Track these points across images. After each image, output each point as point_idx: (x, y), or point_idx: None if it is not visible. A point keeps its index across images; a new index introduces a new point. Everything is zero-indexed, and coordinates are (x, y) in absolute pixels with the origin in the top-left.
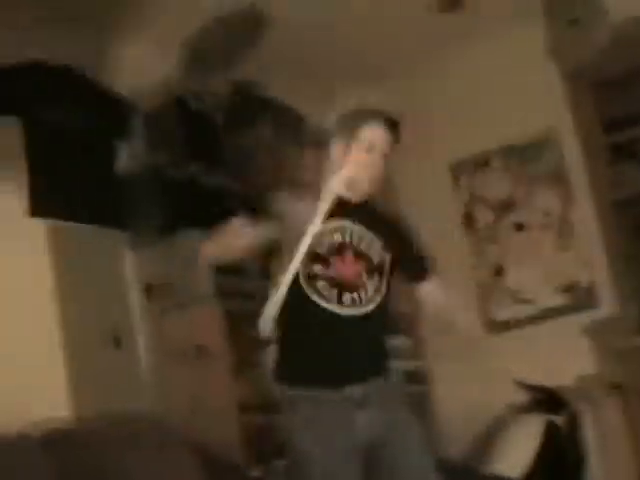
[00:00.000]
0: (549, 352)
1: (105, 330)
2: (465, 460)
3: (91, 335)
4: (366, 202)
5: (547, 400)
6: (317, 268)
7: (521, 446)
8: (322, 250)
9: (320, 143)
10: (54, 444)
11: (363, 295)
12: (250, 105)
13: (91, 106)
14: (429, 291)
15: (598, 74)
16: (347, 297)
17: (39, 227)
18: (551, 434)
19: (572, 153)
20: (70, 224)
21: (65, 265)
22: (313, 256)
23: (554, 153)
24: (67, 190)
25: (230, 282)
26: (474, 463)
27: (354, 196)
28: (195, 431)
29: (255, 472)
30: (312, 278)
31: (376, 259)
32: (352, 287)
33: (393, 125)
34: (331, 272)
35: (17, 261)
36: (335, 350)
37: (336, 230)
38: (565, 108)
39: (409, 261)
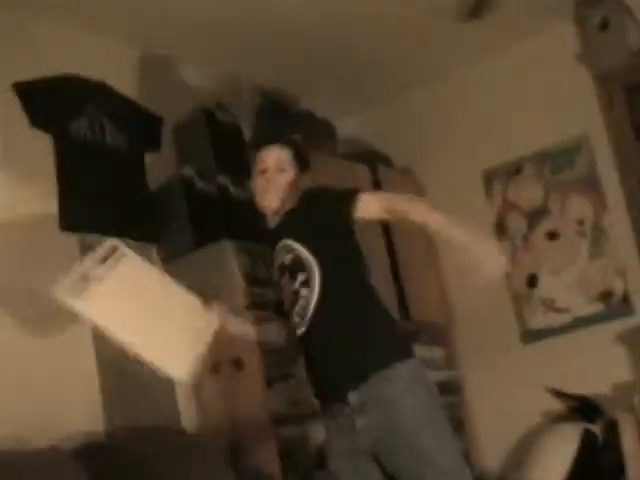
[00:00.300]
0: (584, 360)
1: None
2: (501, 470)
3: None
4: (292, 209)
5: (583, 408)
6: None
7: (558, 455)
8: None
9: None
10: (87, 456)
11: (303, 304)
12: (279, 116)
13: (121, 120)
14: (361, 211)
15: (630, 78)
16: (296, 317)
17: (71, 242)
18: (588, 442)
19: (604, 159)
20: (101, 238)
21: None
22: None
23: (586, 159)
24: (97, 204)
25: (263, 293)
26: (510, 473)
27: (274, 212)
28: (230, 443)
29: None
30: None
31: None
32: (292, 305)
33: (290, 143)
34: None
35: (50, 273)
36: (316, 370)
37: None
38: (597, 113)
39: (334, 208)
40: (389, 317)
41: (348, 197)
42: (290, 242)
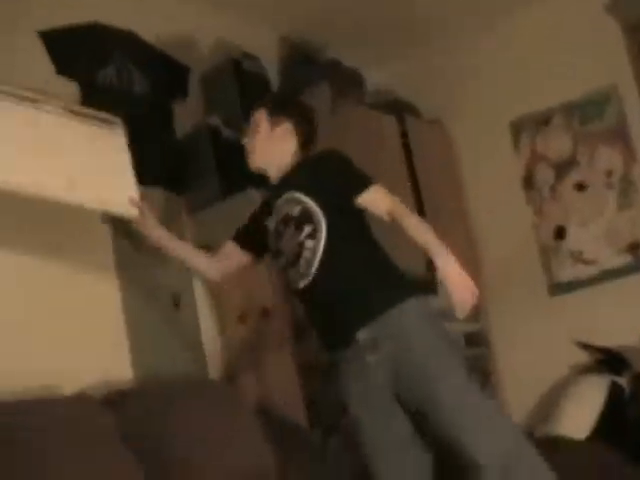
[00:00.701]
0: (612, 313)
1: (164, 292)
2: (528, 423)
3: (150, 296)
4: (297, 166)
5: (610, 361)
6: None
7: (585, 407)
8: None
9: None
10: (115, 403)
11: (309, 256)
12: (307, 65)
13: (148, 68)
14: (368, 200)
15: None
16: (300, 269)
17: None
18: (615, 395)
19: (634, 109)
20: None
21: (124, 228)
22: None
23: (615, 110)
24: None
25: None
26: (537, 425)
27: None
28: (256, 392)
29: (317, 433)
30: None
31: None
32: (296, 257)
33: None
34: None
35: (76, 225)
36: (321, 319)
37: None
38: (626, 64)
39: (346, 181)
40: (392, 263)
41: (360, 181)
42: (298, 195)
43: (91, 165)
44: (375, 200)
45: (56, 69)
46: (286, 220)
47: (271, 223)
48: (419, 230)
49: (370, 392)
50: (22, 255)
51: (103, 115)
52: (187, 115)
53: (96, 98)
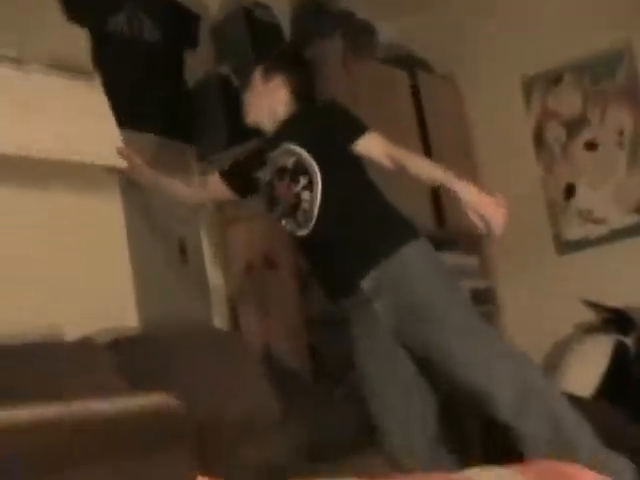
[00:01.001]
0: (619, 273)
1: (171, 241)
2: None
3: (157, 246)
4: (292, 117)
5: (616, 320)
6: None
7: (590, 366)
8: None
9: None
10: (120, 349)
11: (307, 207)
12: (319, 15)
13: (159, 17)
14: (365, 146)
15: None
16: (299, 220)
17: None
18: (620, 354)
19: None
20: (137, 136)
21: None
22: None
23: (628, 68)
24: (133, 100)
25: None
26: None
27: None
28: (261, 342)
29: (322, 384)
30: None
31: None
32: (293, 209)
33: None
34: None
35: (85, 173)
36: (323, 269)
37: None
38: (639, 21)
39: (341, 130)
40: (392, 208)
41: (356, 128)
42: (292, 146)
43: (76, 121)
44: (372, 146)
45: (67, 16)
46: (281, 172)
47: (265, 174)
48: (424, 167)
49: (376, 340)
50: (27, 203)
51: (81, 68)
52: (198, 64)
53: (106, 46)
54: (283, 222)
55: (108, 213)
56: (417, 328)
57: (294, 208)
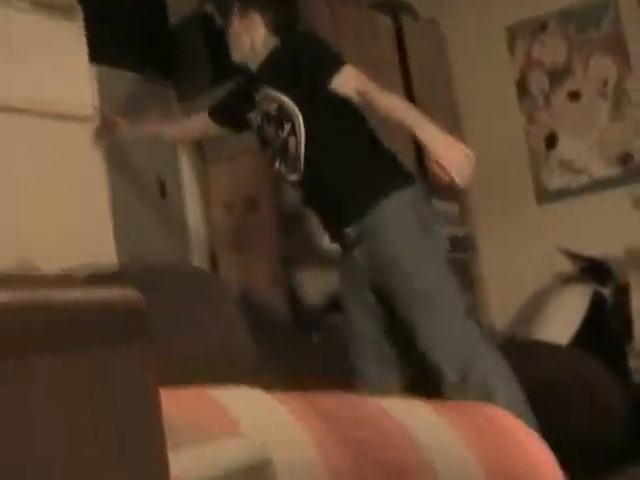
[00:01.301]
0: (599, 223)
1: (151, 179)
2: (510, 328)
3: (137, 183)
4: (271, 55)
5: (595, 270)
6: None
7: (567, 315)
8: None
9: None
10: (97, 282)
11: (294, 153)
12: None
13: None
14: (339, 83)
15: None
16: (289, 165)
17: (89, 78)
18: (597, 304)
19: (631, 18)
20: (120, 73)
21: (114, 113)
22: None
23: (613, 18)
24: (116, 38)
25: None
26: (519, 330)
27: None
28: (239, 283)
29: (302, 326)
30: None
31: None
32: (283, 153)
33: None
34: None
35: (64, 107)
36: (317, 211)
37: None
38: None
39: (315, 67)
40: (381, 153)
41: (331, 64)
42: (272, 92)
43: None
44: (345, 82)
45: None
46: (267, 117)
47: (255, 117)
48: (394, 106)
49: (356, 287)
50: (6, 139)
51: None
52: (182, 3)
53: None
54: (276, 165)
55: (87, 149)
56: (386, 281)
57: (283, 152)
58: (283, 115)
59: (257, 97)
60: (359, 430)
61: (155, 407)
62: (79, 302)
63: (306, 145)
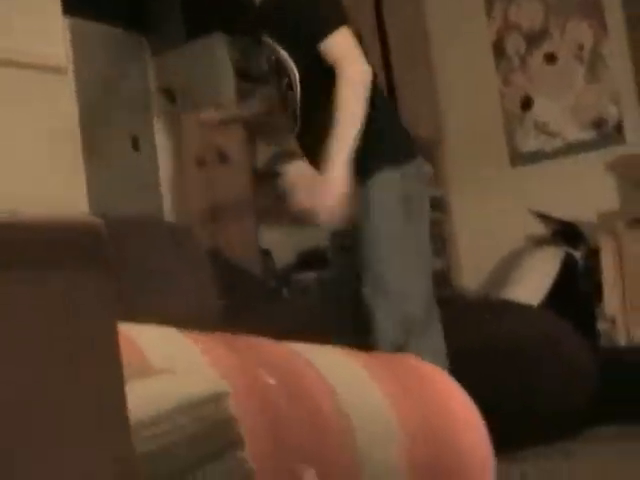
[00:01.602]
0: (572, 187)
1: (124, 132)
2: (482, 289)
3: (110, 136)
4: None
5: (567, 233)
6: None
7: (538, 276)
8: None
9: None
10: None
11: (292, 107)
12: None
13: None
14: (328, 47)
15: None
16: (289, 114)
17: (62, 29)
18: (568, 266)
19: None
20: (93, 25)
21: (87, 67)
22: None
23: None
24: None
25: (252, 88)
26: (491, 292)
27: None
28: (212, 238)
29: (272, 283)
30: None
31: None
32: (283, 104)
33: None
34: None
35: (38, 59)
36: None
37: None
38: None
39: (310, 27)
40: (380, 123)
41: (324, 24)
42: (271, 42)
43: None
44: (331, 49)
45: None
46: (269, 64)
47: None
48: (343, 111)
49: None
50: None
51: None
52: None
53: None
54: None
55: (61, 101)
56: (360, 250)
57: (284, 103)
58: (280, 68)
59: (263, 38)
60: (274, 371)
61: (112, 334)
62: (38, 222)
63: (301, 105)
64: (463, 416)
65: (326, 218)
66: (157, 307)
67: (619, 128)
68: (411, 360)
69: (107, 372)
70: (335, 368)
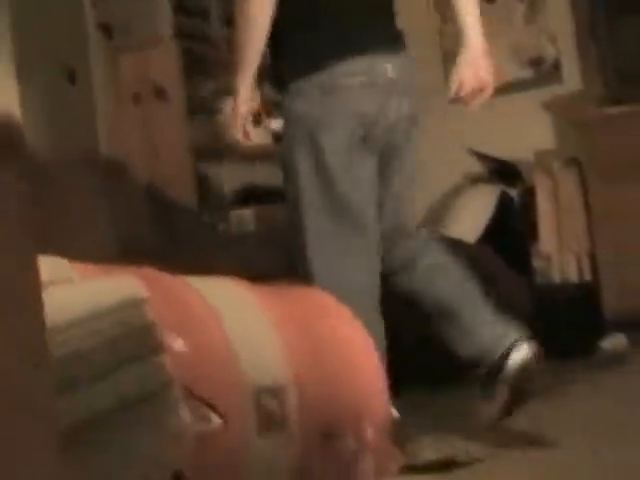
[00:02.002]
0: (509, 126)
1: (60, 66)
2: (421, 225)
3: (46, 72)
4: None
5: (503, 172)
6: None
7: (475, 214)
8: None
9: None
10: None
11: None
12: None
13: None
14: None
15: None
16: None
17: None
18: (505, 204)
19: None
20: None
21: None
22: None
23: None
24: None
25: (190, 24)
26: (430, 228)
27: None
28: (148, 173)
29: (208, 218)
30: None
31: None
32: None
33: None
34: None
35: None
36: None
37: None
38: None
39: None
40: (310, 22)
41: None
42: None
43: None
44: None
45: None
46: None
47: None
48: None
49: None
50: None
51: None
52: None
53: None
54: None
55: None
56: None
57: None
58: None
59: None
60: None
61: (26, 227)
62: None
63: None
64: (356, 343)
65: None
66: (86, 241)
67: (556, 67)
68: (314, 293)
69: (24, 274)
70: (223, 296)
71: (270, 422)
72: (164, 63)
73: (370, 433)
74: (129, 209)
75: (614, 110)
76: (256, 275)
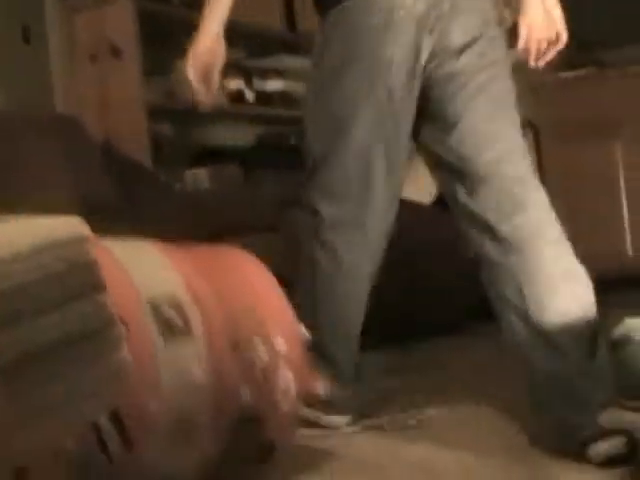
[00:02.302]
0: None
1: (14, 23)
2: None
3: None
4: None
5: None
6: None
7: (429, 175)
8: None
9: None
10: None
11: None
12: None
13: None
14: None
15: None
16: None
17: None
18: None
19: None
20: None
21: None
22: None
23: None
24: None
25: None
26: None
27: None
28: (103, 133)
29: (164, 177)
30: None
31: None
32: None
33: None
34: None
35: None
36: None
37: None
38: None
39: None
40: None
41: None
42: None
43: None
44: None
45: None
46: None
47: None
48: None
49: None
50: None
51: None
52: None
53: None
54: None
55: None
56: None
57: None
58: None
59: None
60: None
61: None
62: None
63: None
64: (262, 282)
65: None
66: (41, 198)
67: (513, 32)
68: (232, 252)
69: None
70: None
71: (173, 329)
72: (120, 22)
73: (281, 343)
74: (88, 168)
75: (569, 74)
76: (210, 234)
